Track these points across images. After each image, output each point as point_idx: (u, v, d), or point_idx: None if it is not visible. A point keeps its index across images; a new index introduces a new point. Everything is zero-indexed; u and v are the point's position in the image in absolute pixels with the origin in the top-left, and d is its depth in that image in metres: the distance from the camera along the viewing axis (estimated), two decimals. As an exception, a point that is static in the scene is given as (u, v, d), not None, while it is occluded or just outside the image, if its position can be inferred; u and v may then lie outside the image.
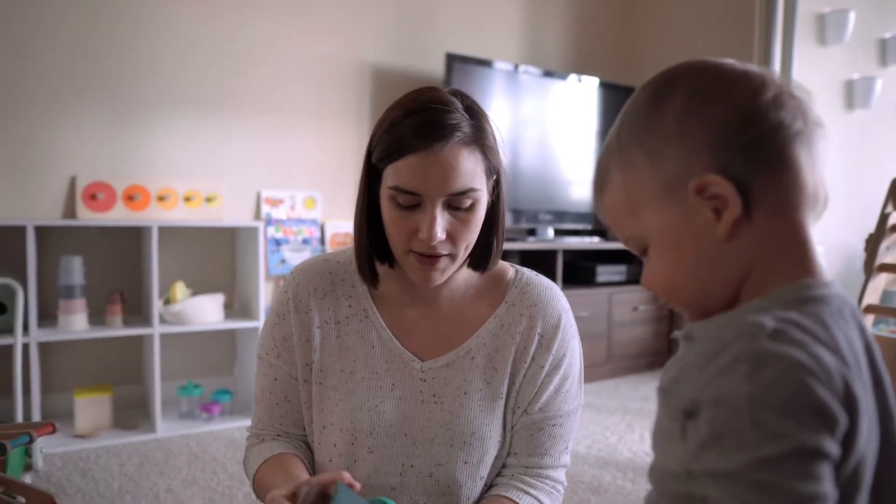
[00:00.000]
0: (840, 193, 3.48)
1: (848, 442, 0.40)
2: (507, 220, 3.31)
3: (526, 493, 0.89)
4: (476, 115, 0.82)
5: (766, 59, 3.24)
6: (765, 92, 0.49)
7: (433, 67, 3.26)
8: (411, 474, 0.87)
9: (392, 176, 0.81)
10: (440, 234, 0.80)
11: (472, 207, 0.82)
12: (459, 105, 0.81)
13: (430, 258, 0.82)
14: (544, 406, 0.90)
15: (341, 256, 0.96)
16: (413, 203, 0.81)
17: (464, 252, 0.85)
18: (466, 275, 0.93)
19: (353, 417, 0.87)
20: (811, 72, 3.36)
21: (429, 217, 0.80)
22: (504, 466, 0.93)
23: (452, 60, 3.07)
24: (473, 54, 3.28)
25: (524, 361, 0.91)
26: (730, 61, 0.52)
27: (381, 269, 0.91)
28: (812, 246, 0.50)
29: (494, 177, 0.86)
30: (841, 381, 0.41)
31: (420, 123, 0.78)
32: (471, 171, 0.80)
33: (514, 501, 0.87)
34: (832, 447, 0.39)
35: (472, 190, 0.80)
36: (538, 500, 0.89)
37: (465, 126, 0.80)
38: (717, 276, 0.51)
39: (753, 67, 0.52)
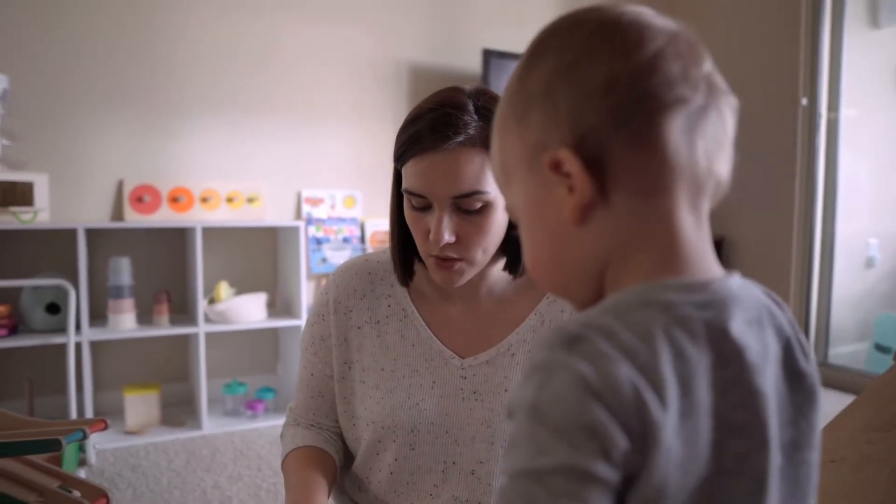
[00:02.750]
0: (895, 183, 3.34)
1: (638, 466, 0.36)
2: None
3: None
4: (489, 116, 0.80)
5: (814, 44, 3.11)
6: (640, 51, 0.41)
7: (470, 64, 3.24)
8: (453, 471, 0.87)
9: (404, 178, 0.82)
10: (446, 236, 0.80)
11: (483, 210, 0.81)
12: (471, 106, 0.80)
13: (445, 261, 0.83)
14: None
15: (382, 256, 0.96)
16: (425, 205, 0.81)
17: (482, 256, 0.84)
18: (505, 272, 0.92)
19: (393, 415, 0.87)
20: (863, 56, 3.23)
21: (436, 219, 0.80)
22: None
23: (489, 56, 3.05)
24: (510, 49, 3.25)
25: None
26: (637, 9, 0.43)
27: (420, 267, 0.91)
28: (684, 237, 0.42)
29: None
30: (633, 402, 0.36)
31: (424, 127, 0.79)
32: (475, 172, 0.79)
33: None
34: (604, 470, 0.35)
35: (478, 192, 0.79)
36: None
37: (472, 128, 0.79)
38: (572, 264, 0.45)
39: (650, 16, 0.43)
